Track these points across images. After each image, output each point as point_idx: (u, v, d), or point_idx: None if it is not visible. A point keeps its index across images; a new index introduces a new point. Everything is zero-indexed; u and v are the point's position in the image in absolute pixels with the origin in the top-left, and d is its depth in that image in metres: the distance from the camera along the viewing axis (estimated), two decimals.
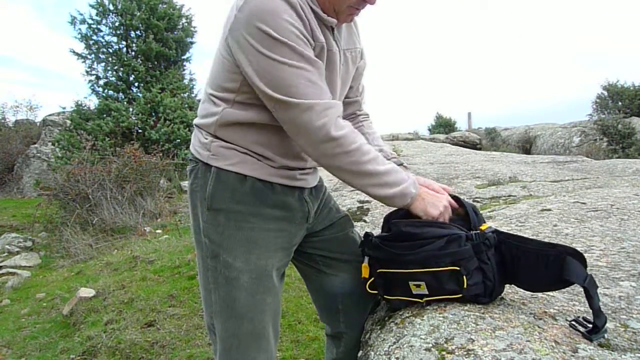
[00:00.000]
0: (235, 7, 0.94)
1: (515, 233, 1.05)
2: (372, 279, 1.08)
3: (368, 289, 1.08)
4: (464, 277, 0.93)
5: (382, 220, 1.14)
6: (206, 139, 1.06)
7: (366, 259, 1.08)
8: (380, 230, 1.13)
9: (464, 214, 1.06)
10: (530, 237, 0.97)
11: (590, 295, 0.82)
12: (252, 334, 1.05)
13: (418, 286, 0.98)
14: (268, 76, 0.93)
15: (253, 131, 1.03)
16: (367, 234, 1.09)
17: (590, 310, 0.83)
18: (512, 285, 1.05)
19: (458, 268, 0.93)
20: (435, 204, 1.03)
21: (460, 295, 0.95)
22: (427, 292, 0.98)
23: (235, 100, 1.01)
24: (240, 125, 1.03)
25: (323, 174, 1.27)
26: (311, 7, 0.98)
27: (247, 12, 0.91)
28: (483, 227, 0.98)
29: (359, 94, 1.31)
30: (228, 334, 1.05)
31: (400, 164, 1.20)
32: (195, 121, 1.12)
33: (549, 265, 0.90)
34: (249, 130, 1.03)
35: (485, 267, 0.94)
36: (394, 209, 1.19)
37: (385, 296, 1.07)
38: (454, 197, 1.12)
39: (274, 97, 0.93)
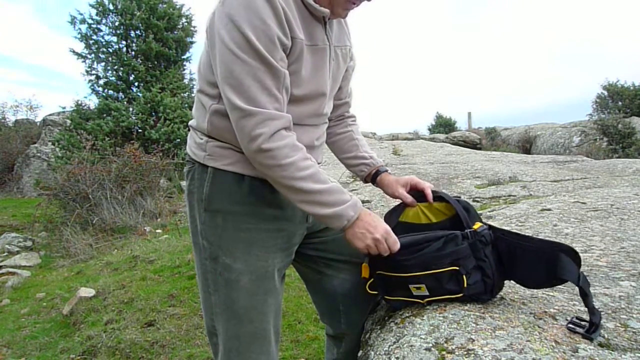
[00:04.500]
0: (220, 0, 0.94)
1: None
2: (372, 279, 1.08)
3: (368, 289, 1.08)
4: (464, 276, 0.93)
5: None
6: (201, 139, 1.05)
7: (366, 258, 1.08)
8: None
9: (453, 213, 1.07)
10: (525, 234, 0.98)
11: (586, 293, 0.83)
12: (253, 335, 1.04)
13: (418, 288, 0.98)
14: (223, 69, 0.91)
15: None
16: None
17: (585, 310, 0.83)
18: (513, 285, 1.05)
19: (457, 268, 0.93)
20: (363, 235, 0.98)
21: (461, 294, 0.95)
22: (427, 294, 0.98)
23: (220, 95, 0.99)
24: (230, 122, 1.01)
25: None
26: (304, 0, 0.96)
27: (227, 5, 0.91)
28: (476, 226, 0.98)
29: (347, 96, 1.30)
30: (229, 336, 1.04)
31: (385, 171, 1.26)
32: (190, 123, 1.12)
33: (543, 262, 0.91)
34: None
35: (483, 265, 0.95)
36: (393, 207, 1.21)
37: (385, 297, 1.07)
38: (438, 196, 1.13)
39: (224, 93, 0.93)
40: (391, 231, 1.00)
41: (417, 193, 1.18)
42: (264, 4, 0.89)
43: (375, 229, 0.98)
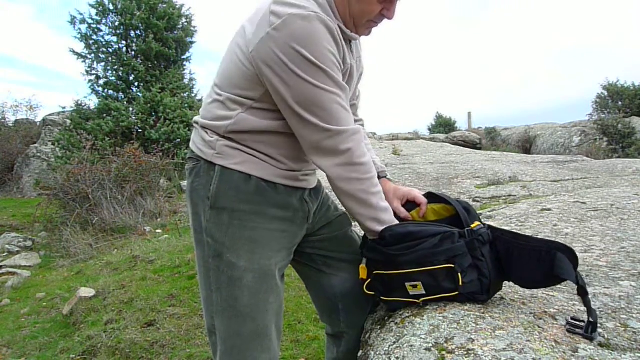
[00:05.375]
0: (269, 23, 0.92)
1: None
2: (370, 280, 1.08)
3: (366, 290, 1.08)
4: (459, 274, 0.93)
5: None
6: (211, 137, 1.05)
7: (364, 260, 1.08)
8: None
9: (454, 212, 1.07)
10: (523, 234, 0.98)
11: (586, 292, 0.83)
12: (255, 333, 1.05)
13: (415, 287, 0.98)
14: (303, 99, 0.95)
15: (266, 135, 1.04)
16: (365, 235, 1.09)
17: (583, 310, 0.83)
18: (513, 285, 1.05)
19: (452, 265, 0.94)
20: None
21: (457, 293, 0.95)
22: (424, 292, 0.98)
23: (252, 106, 1.02)
24: (254, 131, 1.03)
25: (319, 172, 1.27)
26: (338, 25, 0.99)
27: (286, 33, 0.91)
28: (474, 225, 0.98)
29: (356, 98, 1.32)
30: (230, 334, 1.05)
31: (385, 177, 1.27)
32: (200, 121, 1.10)
33: (540, 261, 0.91)
34: (262, 134, 1.04)
35: (480, 264, 0.95)
36: None
37: (382, 297, 1.07)
38: (433, 196, 1.13)
39: (306, 119, 0.96)
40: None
41: (413, 205, 1.18)
42: (324, 31, 0.93)
43: None
